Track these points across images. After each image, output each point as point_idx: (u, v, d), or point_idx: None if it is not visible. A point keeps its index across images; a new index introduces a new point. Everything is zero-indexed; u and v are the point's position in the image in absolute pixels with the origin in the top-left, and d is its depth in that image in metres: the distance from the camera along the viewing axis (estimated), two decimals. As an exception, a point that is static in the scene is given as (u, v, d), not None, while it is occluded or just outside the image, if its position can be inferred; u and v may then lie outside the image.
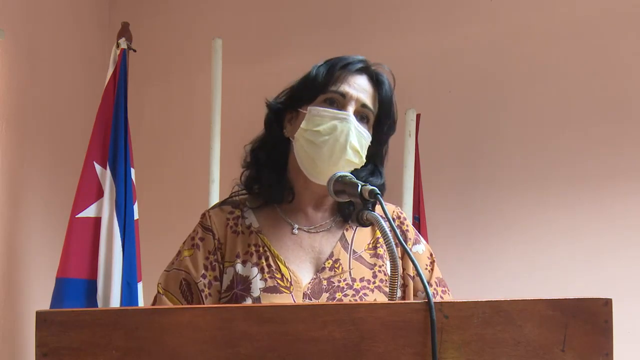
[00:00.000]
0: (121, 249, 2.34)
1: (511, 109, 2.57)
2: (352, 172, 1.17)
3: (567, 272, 2.43)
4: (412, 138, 2.38)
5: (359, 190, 1.04)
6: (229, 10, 3.01)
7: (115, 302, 2.28)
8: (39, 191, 2.66)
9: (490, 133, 2.59)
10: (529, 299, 0.88)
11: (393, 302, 1.00)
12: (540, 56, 2.54)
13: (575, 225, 2.45)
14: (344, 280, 1.19)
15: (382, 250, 1.25)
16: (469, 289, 2.50)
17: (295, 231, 1.24)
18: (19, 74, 2.56)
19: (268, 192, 1.25)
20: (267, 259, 1.20)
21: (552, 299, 0.88)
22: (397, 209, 1.32)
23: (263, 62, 2.88)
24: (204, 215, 1.27)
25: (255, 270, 1.19)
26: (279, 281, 1.18)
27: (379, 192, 1.02)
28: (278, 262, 1.20)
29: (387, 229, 0.98)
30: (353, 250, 1.24)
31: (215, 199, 2.24)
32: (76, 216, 2.35)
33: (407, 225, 1.30)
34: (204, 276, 1.20)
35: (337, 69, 1.21)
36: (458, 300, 0.87)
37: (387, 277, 1.22)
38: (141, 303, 2.37)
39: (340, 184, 1.10)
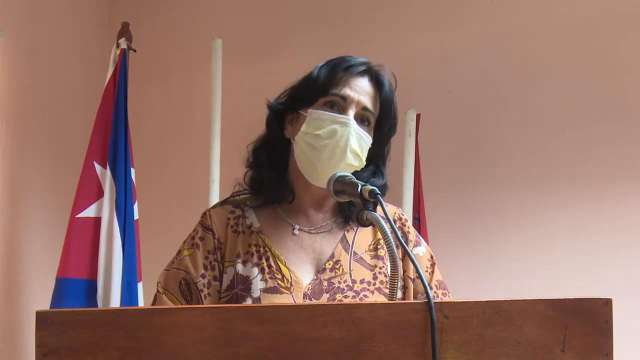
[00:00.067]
0: (121, 249, 2.34)
1: (511, 109, 2.57)
2: (353, 173, 1.17)
3: (567, 272, 2.43)
4: (412, 138, 2.38)
5: (359, 190, 1.04)
6: (229, 10, 3.01)
7: (115, 302, 2.28)
8: (39, 191, 2.66)
9: (490, 133, 2.59)
10: (529, 299, 0.88)
11: (393, 302, 1.00)
12: (540, 56, 2.54)
13: (575, 225, 2.45)
14: (344, 281, 1.19)
15: (382, 251, 1.25)
16: (469, 289, 2.50)
17: (296, 232, 1.24)
18: (19, 74, 2.56)
19: (268, 192, 1.25)
20: (267, 260, 1.20)
21: (552, 299, 0.88)
22: (398, 211, 1.31)
23: (263, 62, 2.88)
24: (204, 214, 1.27)
25: (255, 270, 1.19)
26: (279, 282, 1.18)
27: (379, 192, 1.02)
28: (279, 262, 1.20)
29: (388, 229, 0.98)
30: (354, 251, 1.24)
31: (215, 199, 2.24)
32: (76, 216, 2.35)
33: (408, 227, 1.30)
34: (203, 276, 1.20)
35: (339, 71, 1.21)
36: (458, 300, 0.87)
37: (387, 279, 1.21)
38: (141, 303, 2.37)
39: (340, 184, 1.10)
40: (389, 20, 2.75)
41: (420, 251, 1.29)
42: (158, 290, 1.22)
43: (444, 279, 1.30)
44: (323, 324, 0.84)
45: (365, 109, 1.21)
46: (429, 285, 1.24)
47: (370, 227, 1.27)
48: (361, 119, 1.21)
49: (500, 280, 2.52)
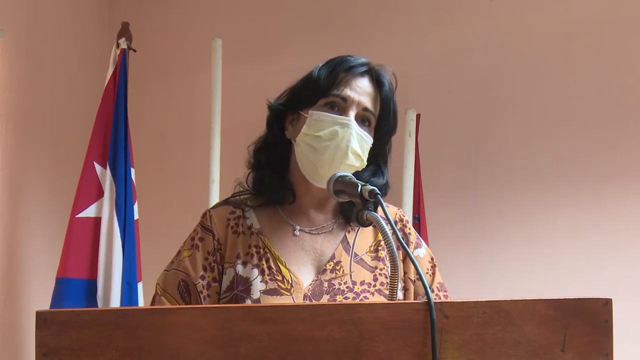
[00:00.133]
0: (121, 249, 2.34)
1: (511, 109, 2.57)
2: (354, 173, 1.17)
3: (567, 272, 2.43)
4: (412, 138, 2.38)
5: (359, 190, 1.04)
6: (229, 10, 3.01)
7: (115, 302, 2.28)
8: (39, 191, 2.66)
9: (490, 133, 2.59)
10: (529, 299, 0.88)
11: (393, 302, 1.00)
12: (540, 56, 2.54)
13: (575, 225, 2.45)
14: (345, 282, 1.19)
15: (383, 253, 1.24)
16: (469, 289, 2.50)
17: (297, 232, 1.24)
18: (19, 74, 2.56)
19: (269, 193, 1.25)
20: (267, 261, 1.20)
21: (552, 299, 0.88)
22: (399, 212, 1.31)
23: (263, 62, 2.88)
24: (204, 214, 1.26)
25: (255, 271, 1.19)
26: (279, 283, 1.17)
27: (379, 192, 1.02)
28: (279, 263, 1.19)
29: (388, 229, 0.98)
30: (354, 252, 1.23)
31: (215, 199, 2.24)
32: (76, 216, 2.35)
33: (409, 229, 1.30)
34: (202, 277, 1.20)
35: (340, 71, 1.20)
36: (458, 300, 0.87)
37: (387, 281, 1.21)
38: (141, 303, 2.36)
39: (340, 184, 1.10)
40: (389, 20, 2.75)
41: (421, 253, 1.28)
42: (157, 292, 1.22)
43: (444, 279, 1.30)
44: (323, 324, 0.84)
45: (365, 109, 1.21)
46: (430, 287, 1.24)
47: (371, 229, 1.26)
48: (362, 119, 1.21)
49: (500, 280, 2.52)
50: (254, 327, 0.83)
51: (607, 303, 0.89)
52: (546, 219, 2.49)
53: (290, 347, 0.83)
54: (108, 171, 2.39)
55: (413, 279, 1.24)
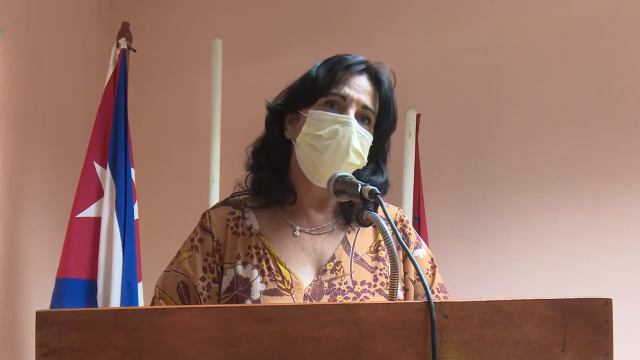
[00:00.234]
0: (121, 249, 2.34)
1: (511, 109, 2.57)
2: (354, 172, 1.17)
3: (567, 272, 2.43)
4: (412, 138, 2.38)
5: (359, 190, 1.04)
6: (229, 10, 3.01)
7: (115, 302, 2.28)
8: (39, 191, 2.66)
9: (490, 133, 2.59)
10: (529, 299, 0.88)
11: (393, 302, 1.00)
12: (540, 56, 2.54)
13: (575, 225, 2.45)
14: (345, 283, 1.19)
15: (383, 253, 1.24)
16: (469, 289, 2.50)
17: (297, 233, 1.23)
18: (19, 74, 2.56)
19: (269, 194, 1.25)
20: (267, 262, 1.19)
21: (552, 299, 0.88)
22: (399, 212, 1.31)
23: (263, 62, 2.88)
24: (204, 215, 1.26)
25: (255, 272, 1.18)
26: (279, 284, 1.17)
27: (379, 192, 1.02)
28: (278, 264, 1.19)
29: (388, 230, 0.98)
30: (355, 253, 1.23)
31: (215, 199, 2.24)
32: (76, 216, 2.35)
33: (409, 229, 1.29)
34: (202, 279, 1.20)
35: (338, 70, 1.20)
36: (458, 300, 0.87)
37: (388, 281, 1.21)
38: (141, 303, 2.36)
39: (340, 184, 1.09)
40: (389, 20, 2.75)
41: (421, 253, 1.28)
42: (155, 295, 1.22)
43: (444, 279, 1.30)
44: (323, 324, 0.83)
45: (365, 107, 1.21)
46: (430, 288, 1.23)
47: (372, 229, 1.26)
48: (361, 117, 1.21)
49: (500, 280, 2.52)
50: (254, 327, 0.83)
51: (607, 303, 0.89)
52: (546, 219, 2.48)
53: (291, 347, 0.83)
54: (108, 171, 2.39)
55: (413, 279, 1.23)
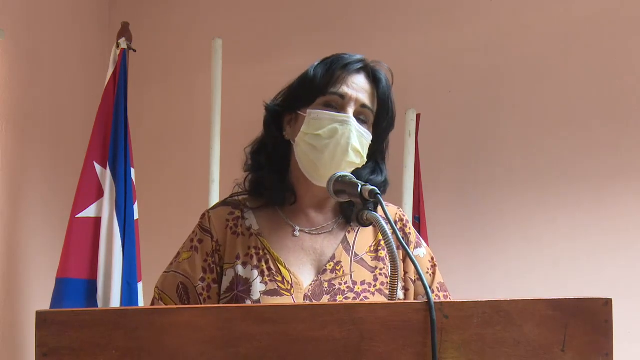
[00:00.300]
0: (121, 249, 2.34)
1: (511, 109, 2.57)
2: (353, 172, 1.17)
3: (567, 272, 2.43)
4: (412, 138, 2.38)
5: (359, 190, 1.04)
6: (229, 10, 3.01)
7: (115, 302, 2.28)
8: (39, 191, 2.66)
9: (490, 133, 2.59)
10: (529, 299, 0.88)
11: (393, 302, 1.00)
12: (539, 56, 2.54)
13: (575, 225, 2.45)
14: (345, 282, 1.19)
15: (383, 253, 1.24)
16: (469, 289, 2.50)
17: (297, 233, 1.23)
18: (19, 74, 2.56)
19: (270, 195, 1.25)
20: (267, 262, 1.19)
21: (552, 299, 0.88)
22: (399, 211, 1.31)
23: (263, 62, 2.88)
24: (203, 216, 1.26)
25: (255, 272, 1.18)
26: (279, 284, 1.17)
27: (379, 192, 1.02)
28: (278, 264, 1.19)
29: (388, 229, 0.98)
30: (355, 252, 1.23)
31: (215, 199, 2.24)
32: (76, 216, 2.35)
33: (409, 229, 1.29)
34: (202, 279, 1.20)
35: (336, 69, 1.20)
36: (458, 300, 0.87)
37: (388, 280, 1.21)
38: (141, 303, 2.36)
39: (340, 184, 1.09)
40: (389, 20, 2.75)
41: (421, 253, 1.28)
42: (155, 296, 1.22)
43: (444, 279, 1.30)
44: (323, 324, 0.83)
45: (364, 106, 1.20)
46: (430, 287, 1.23)
47: (372, 229, 1.26)
48: (360, 116, 1.21)
49: (500, 280, 2.52)
50: (254, 327, 0.83)
51: (607, 303, 0.89)
52: (546, 219, 2.48)
53: (291, 347, 0.83)
54: (108, 171, 2.39)
55: (413, 278, 1.23)
